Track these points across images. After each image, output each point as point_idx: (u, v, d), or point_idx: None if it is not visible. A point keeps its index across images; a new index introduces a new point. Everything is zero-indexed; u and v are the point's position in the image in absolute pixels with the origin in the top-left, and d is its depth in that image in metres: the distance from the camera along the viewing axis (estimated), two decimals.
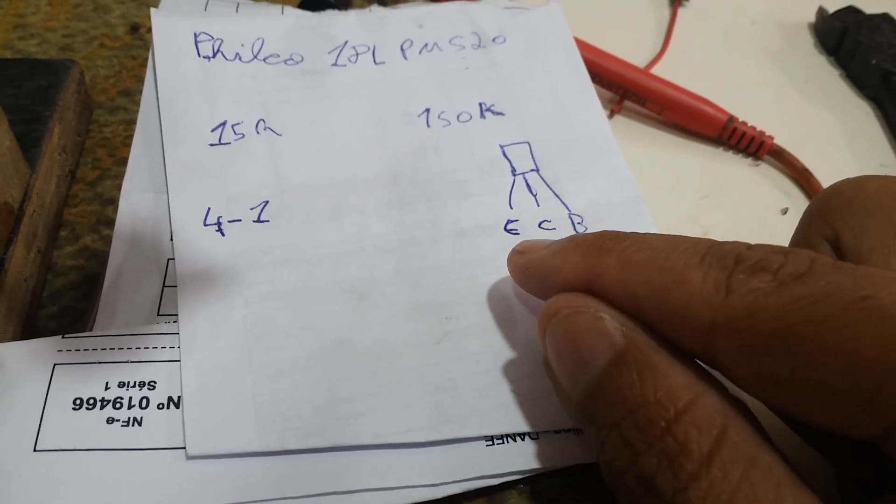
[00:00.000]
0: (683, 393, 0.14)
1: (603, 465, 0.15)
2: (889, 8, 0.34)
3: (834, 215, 0.16)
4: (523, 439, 0.18)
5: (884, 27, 0.34)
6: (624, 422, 0.14)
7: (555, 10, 0.31)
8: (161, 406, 0.17)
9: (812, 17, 0.37)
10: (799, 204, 0.28)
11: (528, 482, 0.18)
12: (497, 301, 0.21)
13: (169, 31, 0.27)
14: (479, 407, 0.18)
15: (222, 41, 0.27)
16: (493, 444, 0.18)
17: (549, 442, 0.18)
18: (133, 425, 0.17)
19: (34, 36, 0.32)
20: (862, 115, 0.32)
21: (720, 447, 0.13)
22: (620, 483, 0.14)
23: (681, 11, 0.36)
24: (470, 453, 0.17)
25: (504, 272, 0.21)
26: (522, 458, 0.17)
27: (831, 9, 0.35)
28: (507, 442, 0.18)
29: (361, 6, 0.34)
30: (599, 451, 0.14)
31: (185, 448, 0.16)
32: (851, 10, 0.35)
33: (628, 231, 0.17)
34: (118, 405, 0.17)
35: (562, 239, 0.18)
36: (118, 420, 0.17)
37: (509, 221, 0.24)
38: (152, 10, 0.28)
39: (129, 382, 0.17)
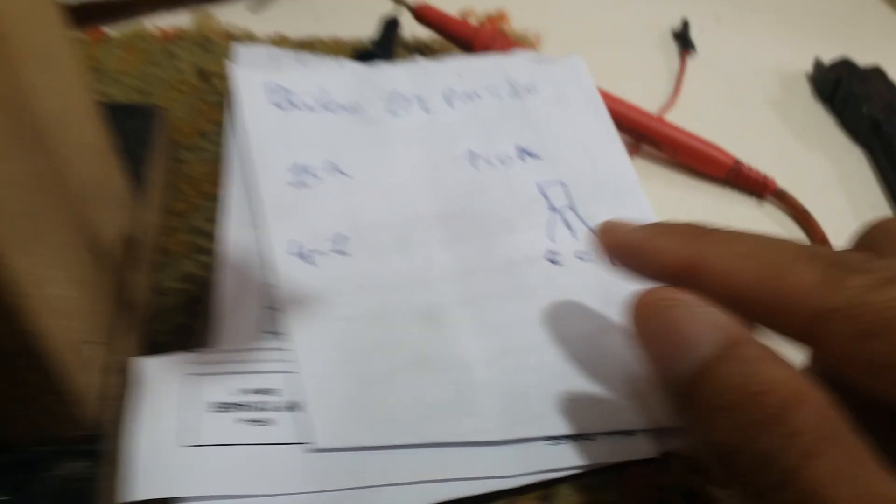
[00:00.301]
0: (798, 382, 0.15)
1: (706, 445, 0.16)
2: (880, 59, 0.38)
3: (877, 245, 0.18)
4: (580, 439, 0.21)
5: (874, 79, 0.38)
6: (740, 405, 0.15)
7: (578, 62, 0.35)
8: (283, 408, 0.21)
9: (809, 68, 0.41)
10: (800, 240, 0.32)
11: (579, 476, 0.22)
12: (546, 322, 0.24)
13: (244, 83, 0.31)
14: (541, 412, 0.21)
15: (291, 91, 0.31)
16: (555, 443, 0.21)
17: (602, 442, 0.21)
18: (260, 424, 0.20)
19: (112, 80, 0.35)
20: (855, 160, 0.36)
21: (838, 430, 0.15)
22: (731, 461, 0.15)
23: (689, 62, 0.40)
24: (535, 451, 0.21)
25: (549, 297, 0.24)
26: (579, 455, 0.21)
27: (827, 61, 0.39)
28: (566, 442, 0.21)
29: (404, 55, 0.38)
30: (705, 431, 0.16)
31: (309, 443, 0.20)
32: (845, 63, 0.39)
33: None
34: (245, 408, 0.20)
35: (652, 223, 0.20)
36: (247, 420, 0.20)
37: (550, 252, 0.27)
38: (227, 62, 0.32)
39: (250, 389, 0.21)
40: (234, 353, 0.22)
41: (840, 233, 0.31)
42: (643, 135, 0.34)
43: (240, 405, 0.20)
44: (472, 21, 0.41)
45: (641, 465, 0.21)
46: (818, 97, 0.39)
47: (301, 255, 0.25)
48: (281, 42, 0.38)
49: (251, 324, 0.23)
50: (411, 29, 0.38)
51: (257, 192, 0.27)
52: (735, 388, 0.15)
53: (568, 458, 0.21)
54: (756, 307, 0.17)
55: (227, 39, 0.37)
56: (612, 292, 0.24)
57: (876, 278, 0.16)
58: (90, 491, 0.18)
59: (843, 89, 0.38)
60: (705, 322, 0.17)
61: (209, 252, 0.26)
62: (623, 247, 0.20)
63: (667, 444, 0.21)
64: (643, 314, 0.18)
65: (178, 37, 0.38)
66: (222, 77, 0.33)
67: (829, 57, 0.39)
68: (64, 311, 0.17)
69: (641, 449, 0.21)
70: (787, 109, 0.38)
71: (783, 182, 0.33)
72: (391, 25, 0.38)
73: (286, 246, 0.25)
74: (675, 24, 0.42)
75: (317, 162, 0.29)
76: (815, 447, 0.14)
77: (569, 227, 0.28)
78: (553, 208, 0.29)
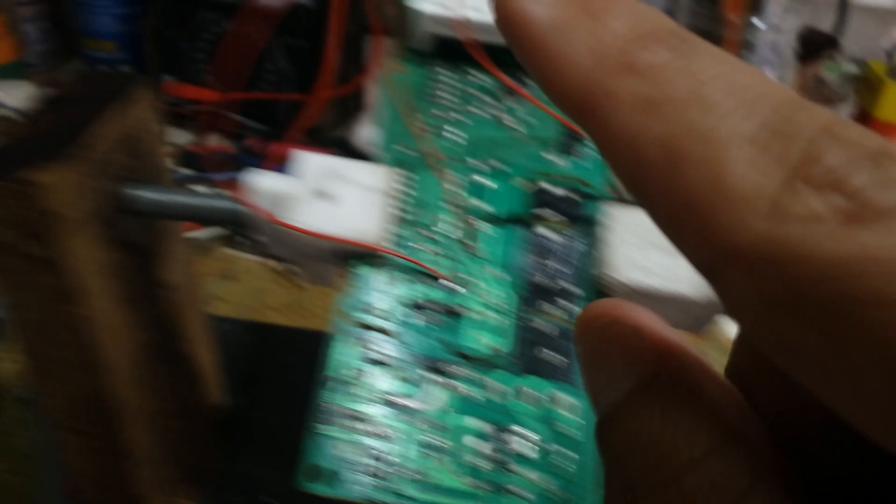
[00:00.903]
0: (706, 439, 0.11)
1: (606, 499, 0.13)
2: None
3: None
4: None
5: None
6: (633, 457, 0.12)
7: None
8: None
9: None
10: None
11: None
12: None
13: None
14: None
15: None
16: None
17: None
18: None
19: None
20: None
21: None
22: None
23: None
24: None
25: None
26: None
27: None
28: None
29: None
30: (605, 483, 0.12)
31: None
32: None
33: (680, 30, 0.11)
34: None
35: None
36: None
37: None
38: None
39: None
40: None
41: None
42: None
43: None
44: None
45: None
46: None
47: None
48: None
49: None
50: None
51: None
52: (635, 435, 0.12)
53: None
54: (655, 208, 0.11)
55: None
56: None
57: (858, 204, 0.09)
58: None
59: None
60: (633, 347, 0.12)
61: None
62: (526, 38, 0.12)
63: None
64: (583, 329, 0.14)
65: None
66: None
67: None
68: None
69: None
70: None
71: None
72: None
73: None
74: None
75: None
76: None
77: None
78: None
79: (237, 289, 0.48)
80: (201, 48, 0.61)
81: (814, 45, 0.60)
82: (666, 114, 0.10)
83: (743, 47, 0.52)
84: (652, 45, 0.10)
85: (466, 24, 0.28)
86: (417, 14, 0.28)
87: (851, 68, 0.76)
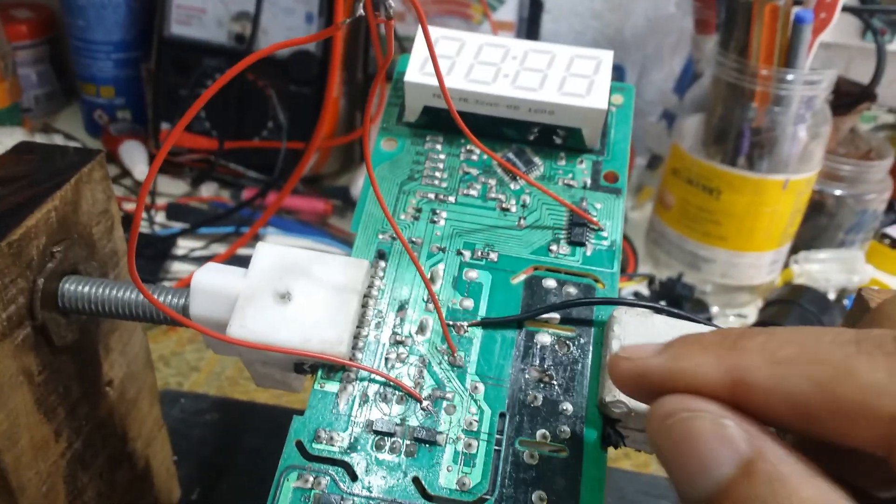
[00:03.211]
0: (825, 500, 0.13)
1: None
2: None
3: None
4: None
5: None
6: None
7: None
8: None
9: None
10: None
11: None
12: None
13: None
14: None
15: None
16: None
17: None
18: None
19: None
20: None
21: None
22: None
23: None
24: None
25: None
26: None
27: None
28: None
29: None
30: None
31: None
32: None
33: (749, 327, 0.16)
34: None
35: (674, 340, 0.17)
36: None
37: None
38: None
39: None
40: None
41: None
42: None
43: None
44: None
45: None
46: None
47: None
48: None
49: None
50: None
51: None
52: None
53: None
54: (818, 419, 0.14)
55: None
56: None
57: None
58: None
59: None
60: (724, 436, 0.15)
61: None
62: (643, 378, 0.17)
63: None
64: (661, 427, 0.16)
65: None
66: None
67: None
68: None
69: None
70: None
71: None
72: None
73: None
74: None
75: None
76: None
77: None
78: None
79: (213, 357, 0.44)
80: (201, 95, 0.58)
81: (849, 97, 0.56)
82: (794, 364, 0.15)
83: (775, 102, 0.48)
84: (746, 335, 0.16)
85: (460, 94, 0.25)
86: (410, 85, 0.25)
87: (888, 118, 0.72)
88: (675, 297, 0.51)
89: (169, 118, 0.60)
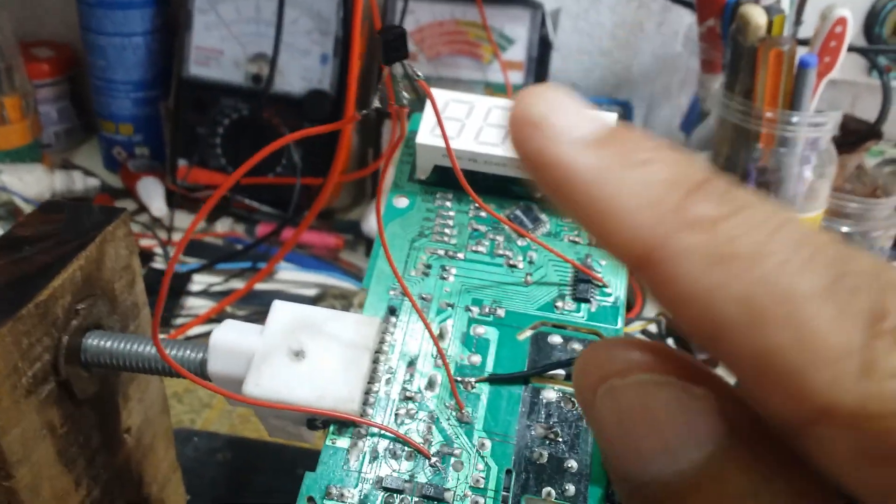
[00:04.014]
0: (787, 495, 0.11)
1: None
2: None
3: None
4: None
5: None
6: None
7: None
8: None
9: None
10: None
11: None
12: None
13: None
14: None
15: None
16: None
17: None
18: None
19: None
20: None
21: None
22: None
23: None
24: None
25: None
26: None
27: None
28: None
29: None
30: None
31: None
32: None
33: (722, 177, 0.11)
34: None
35: (620, 138, 0.11)
36: None
37: None
38: None
39: None
40: None
41: None
42: None
43: None
44: None
45: None
46: None
47: None
48: None
49: None
50: None
51: None
52: None
53: None
54: (733, 361, 0.10)
55: None
56: None
57: None
58: None
59: None
60: (696, 412, 0.11)
61: None
62: (555, 172, 0.11)
63: None
64: (597, 390, 0.12)
65: None
66: None
67: None
68: None
69: None
70: None
71: None
72: None
73: None
74: None
75: None
76: None
77: None
78: None
79: None
80: (219, 133, 0.60)
81: (855, 135, 0.56)
82: (740, 270, 0.10)
83: (780, 143, 0.48)
84: (705, 197, 0.11)
85: (470, 155, 0.26)
86: (421, 146, 0.26)
87: (895, 153, 0.72)
88: (683, 336, 0.51)
89: (186, 155, 0.61)
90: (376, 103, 0.15)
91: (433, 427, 0.22)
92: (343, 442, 0.21)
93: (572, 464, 0.21)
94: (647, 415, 0.11)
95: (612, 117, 0.11)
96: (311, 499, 0.20)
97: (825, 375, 0.09)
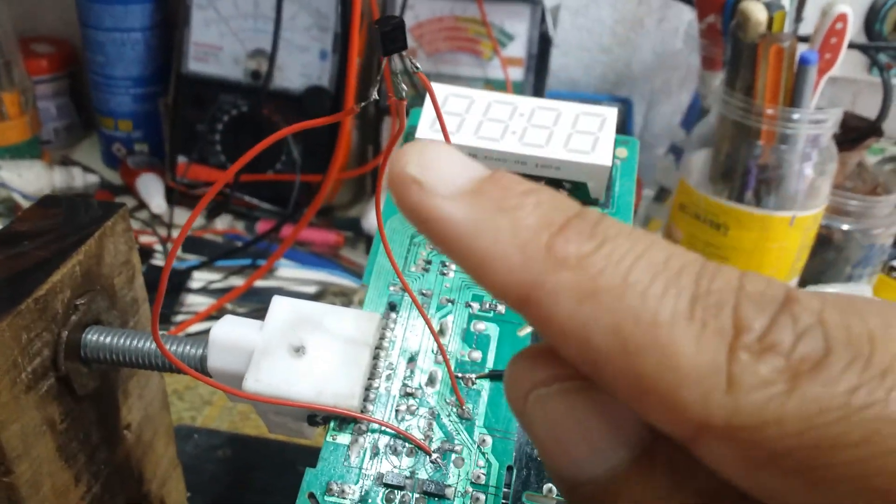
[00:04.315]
0: (731, 501, 0.11)
1: None
2: None
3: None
4: None
5: None
6: None
7: None
8: None
9: None
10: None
11: None
12: None
13: None
14: None
15: None
16: None
17: None
18: None
19: None
20: None
21: None
22: None
23: None
24: None
25: None
26: None
27: None
28: None
29: None
30: None
31: None
32: None
33: (588, 212, 0.12)
34: None
35: (490, 188, 0.12)
36: None
37: None
38: None
39: None
40: None
41: None
42: None
43: None
44: None
45: None
46: None
47: None
48: None
49: None
50: None
51: None
52: None
53: None
54: (618, 392, 0.11)
55: None
56: None
57: (794, 363, 0.10)
58: None
59: None
60: (615, 416, 0.12)
61: None
62: (433, 224, 0.12)
63: None
64: (527, 399, 0.12)
65: None
66: None
67: None
68: None
69: None
70: None
71: None
72: None
73: None
74: None
75: None
76: None
77: None
78: None
79: None
80: (218, 129, 0.60)
81: (856, 132, 0.56)
82: (607, 303, 0.11)
83: (780, 140, 0.48)
84: (571, 235, 0.11)
85: (470, 150, 0.25)
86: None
87: (895, 151, 0.72)
88: None
89: (186, 152, 0.61)
90: (375, 95, 0.15)
91: (434, 423, 0.22)
92: (344, 438, 0.21)
93: None
94: (574, 420, 0.12)
95: (484, 167, 0.12)
96: (311, 495, 0.20)
97: (695, 394, 0.10)
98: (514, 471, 0.21)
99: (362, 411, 0.21)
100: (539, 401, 0.12)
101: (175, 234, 0.58)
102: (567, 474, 0.12)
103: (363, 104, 0.16)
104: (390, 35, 0.14)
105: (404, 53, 0.15)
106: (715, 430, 0.10)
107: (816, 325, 0.10)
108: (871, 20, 0.62)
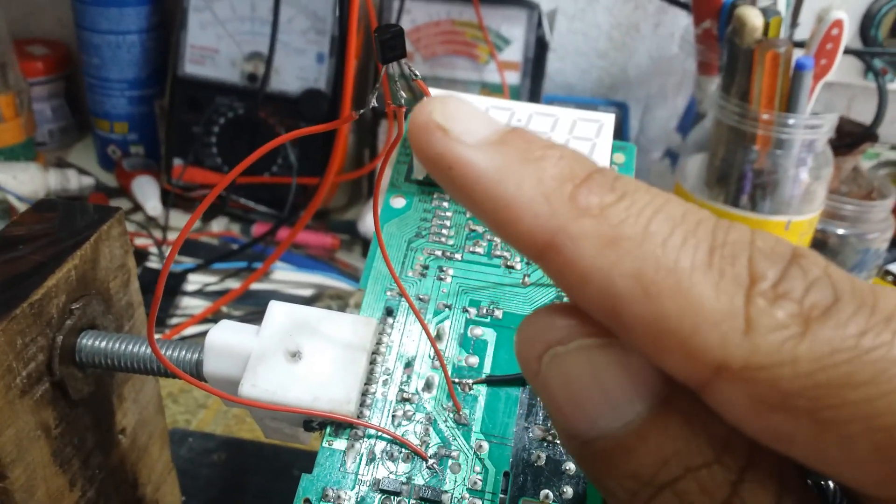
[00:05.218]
0: (741, 449, 0.12)
1: None
2: None
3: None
4: None
5: None
6: (682, 481, 0.12)
7: None
8: None
9: None
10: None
11: None
12: None
13: None
14: None
15: None
16: None
17: None
18: None
19: None
20: None
21: None
22: None
23: None
24: None
25: None
26: None
27: None
28: None
29: None
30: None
31: None
32: None
33: (606, 169, 0.12)
34: None
35: (516, 140, 0.12)
36: None
37: None
38: None
39: None
40: None
41: None
42: None
43: None
44: None
45: None
46: None
47: None
48: None
49: None
50: None
51: None
52: (675, 459, 0.12)
53: None
54: (638, 340, 0.11)
55: None
56: None
57: (807, 309, 0.11)
58: None
59: None
60: (637, 368, 0.12)
61: None
62: (456, 171, 0.12)
63: None
64: (542, 357, 0.13)
65: None
66: None
67: None
68: None
69: None
70: None
71: None
72: None
73: None
74: None
75: None
76: None
77: None
78: None
79: None
80: (214, 132, 0.59)
81: (851, 137, 0.56)
82: (629, 249, 0.11)
83: (776, 145, 0.49)
84: (593, 187, 0.12)
85: None
86: None
87: (891, 155, 0.73)
88: None
89: (181, 154, 0.61)
90: (374, 102, 0.15)
91: (430, 429, 0.21)
92: (340, 443, 0.21)
93: (570, 466, 0.21)
94: (593, 377, 0.12)
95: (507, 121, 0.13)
96: (307, 501, 0.20)
97: (714, 336, 0.11)
98: (511, 477, 0.21)
99: (359, 417, 0.21)
100: (556, 359, 0.13)
101: (171, 236, 0.58)
102: (581, 431, 0.13)
103: (361, 111, 0.16)
104: (389, 43, 0.14)
105: (403, 60, 0.15)
106: (731, 370, 0.11)
107: (824, 277, 0.11)
108: (867, 26, 0.63)
